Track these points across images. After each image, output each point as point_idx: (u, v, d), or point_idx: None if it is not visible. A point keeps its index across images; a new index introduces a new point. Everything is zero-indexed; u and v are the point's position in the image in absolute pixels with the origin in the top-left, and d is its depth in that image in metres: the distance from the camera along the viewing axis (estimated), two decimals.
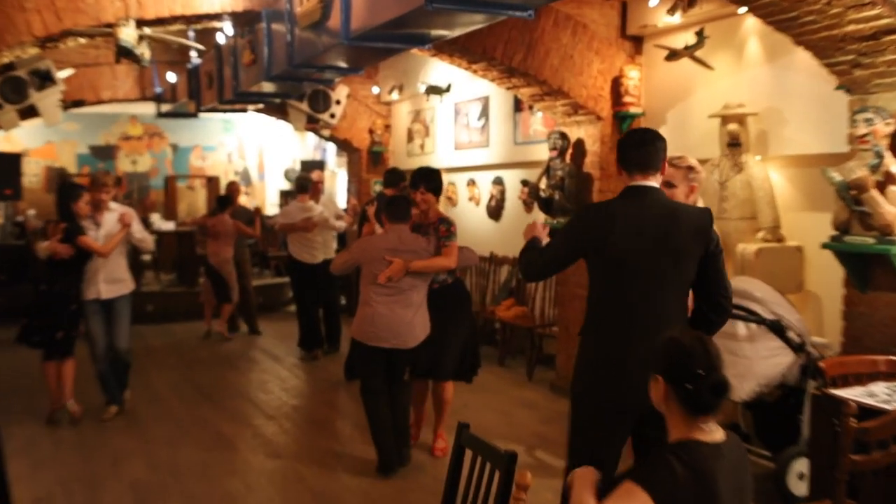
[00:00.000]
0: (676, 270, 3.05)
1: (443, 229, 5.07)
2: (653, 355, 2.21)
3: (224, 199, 9.42)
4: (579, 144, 6.78)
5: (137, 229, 6.07)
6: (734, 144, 5.49)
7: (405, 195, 5.25)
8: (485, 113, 8.96)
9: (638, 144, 3.15)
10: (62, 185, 6.11)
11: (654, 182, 3.13)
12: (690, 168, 3.49)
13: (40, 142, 15.30)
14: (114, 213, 5.97)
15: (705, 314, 3.13)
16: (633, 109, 6.51)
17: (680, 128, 6.32)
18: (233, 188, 9.96)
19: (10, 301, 10.87)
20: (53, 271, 5.79)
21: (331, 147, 13.82)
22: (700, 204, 3.50)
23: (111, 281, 5.96)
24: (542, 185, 7.01)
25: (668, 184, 3.38)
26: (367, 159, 11.12)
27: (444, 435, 5.37)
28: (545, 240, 3.44)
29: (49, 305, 5.80)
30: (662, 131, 6.42)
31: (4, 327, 10.01)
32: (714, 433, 2.14)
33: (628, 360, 3.00)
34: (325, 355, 8.35)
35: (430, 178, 5.22)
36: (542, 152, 7.47)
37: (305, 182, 8.41)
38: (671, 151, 6.45)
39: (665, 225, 3.05)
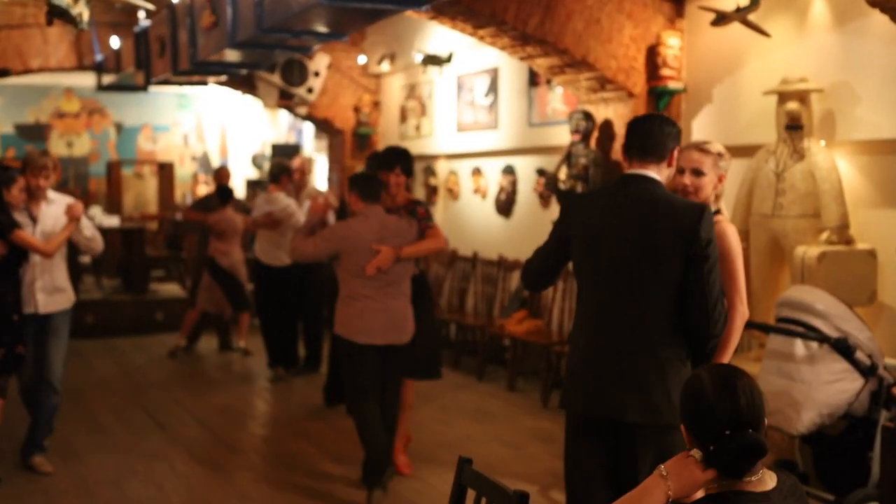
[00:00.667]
0: (654, 272, 3.23)
1: (422, 211, 5.48)
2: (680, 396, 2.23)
3: (225, 190, 9.45)
4: (607, 126, 6.83)
5: (87, 225, 5.79)
6: (794, 127, 5.53)
7: (373, 174, 5.58)
8: (493, 88, 9.01)
9: (640, 127, 3.38)
10: None
11: (654, 172, 3.33)
12: (720, 155, 3.62)
13: None
14: (53, 204, 5.68)
15: (688, 334, 3.26)
16: (672, 84, 6.56)
17: (728, 107, 6.36)
18: (223, 174, 9.97)
19: None
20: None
21: (308, 128, 13.87)
22: (715, 197, 3.62)
23: (50, 291, 5.64)
24: (562, 174, 7.05)
25: (696, 171, 3.54)
26: (351, 143, 11.18)
27: (405, 448, 5.81)
28: None
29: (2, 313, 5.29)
30: (707, 110, 6.51)
31: None
32: (762, 480, 2.13)
33: (593, 367, 3.31)
34: (295, 376, 8.40)
35: (406, 158, 5.62)
36: (563, 136, 7.51)
37: (278, 169, 8.46)
38: (719, 134, 6.54)
39: (640, 219, 3.25)
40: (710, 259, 3.18)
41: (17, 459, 5.97)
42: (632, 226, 3.26)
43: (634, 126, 3.41)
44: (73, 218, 5.61)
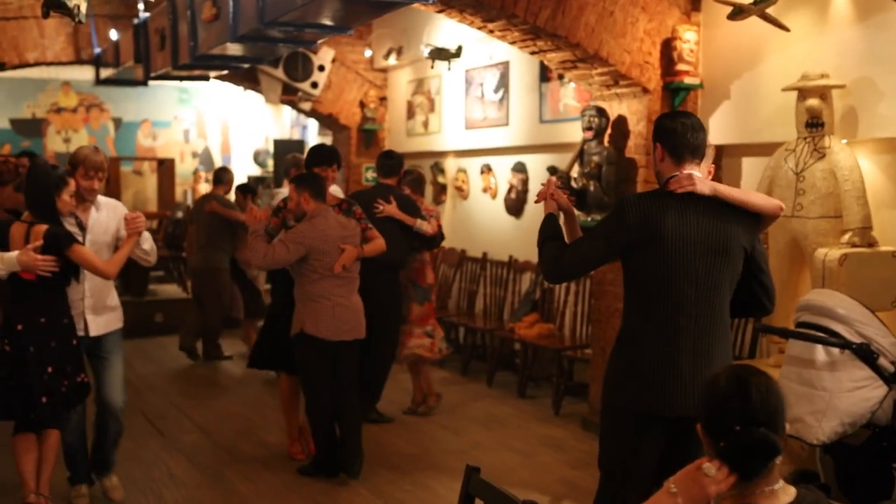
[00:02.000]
0: (728, 269, 3.49)
1: (358, 211, 5.93)
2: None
3: (247, 187, 9.54)
4: (620, 123, 6.82)
5: (146, 237, 5.17)
6: (814, 125, 5.52)
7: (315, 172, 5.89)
8: (503, 83, 9.01)
9: (694, 129, 3.57)
10: (37, 167, 4.98)
11: (697, 171, 3.57)
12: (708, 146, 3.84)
13: None
14: (103, 210, 5.15)
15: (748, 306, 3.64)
16: (688, 80, 6.55)
17: (746, 103, 6.35)
18: (229, 175, 9.98)
19: None
20: (23, 297, 4.80)
21: (312, 124, 13.89)
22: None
23: (101, 310, 5.15)
24: (574, 173, 7.04)
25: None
26: (357, 139, 11.19)
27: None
28: (564, 209, 3.80)
29: (24, 351, 4.75)
30: (725, 107, 6.50)
31: None
32: (778, 493, 2.13)
33: (683, 363, 3.46)
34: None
35: (339, 155, 6.26)
36: (575, 133, 7.51)
37: (290, 164, 8.49)
38: (737, 131, 6.51)
39: (714, 220, 3.48)
40: (764, 250, 3.59)
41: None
42: (707, 226, 3.47)
43: (689, 126, 3.56)
44: (134, 232, 5.00)
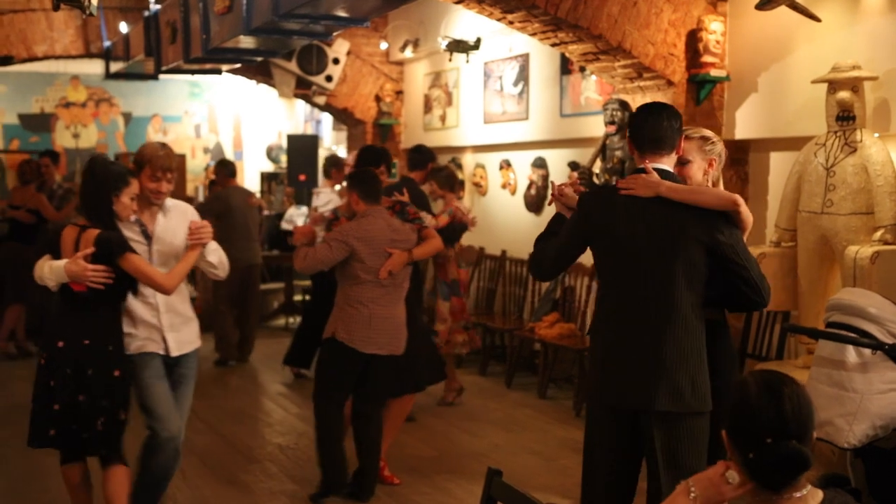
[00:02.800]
0: (680, 262, 3.54)
1: (412, 210, 5.68)
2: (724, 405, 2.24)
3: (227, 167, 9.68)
4: None
5: (213, 248, 4.71)
6: (845, 118, 5.49)
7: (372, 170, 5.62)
8: (523, 76, 9.00)
9: (650, 118, 3.67)
10: (95, 164, 4.49)
11: (667, 164, 3.66)
12: (704, 138, 3.84)
13: None
14: (171, 215, 4.68)
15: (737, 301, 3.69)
16: (714, 72, 6.52)
17: (774, 96, 6.32)
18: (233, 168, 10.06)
19: None
20: (70, 311, 4.39)
21: (326, 119, 13.92)
22: (712, 184, 3.84)
23: (179, 326, 4.67)
24: (596, 168, 7.03)
25: (681, 160, 3.77)
26: (373, 134, 11.20)
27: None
28: (571, 208, 3.84)
29: (58, 372, 4.33)
30: (752, 100, 6.47)
31: None
32: (806, 498, 2.12)
33: (628, 358, 3.59)
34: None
35: (388, 156, 6.10)
36: (597, 127, 7.50)
37: (329, 163, 8.66)
38: (765, 125, 6.48)
39: (663, 214, 3.55)
40: (738, 242, 3.54)
41: (28, 462, 6.04)
42: (653, 223, 3.56)
43: (644, 118, 3.68)
44: (198, 243, 4.57)
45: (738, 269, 3.56)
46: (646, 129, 3.66)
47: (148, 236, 4.58)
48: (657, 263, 3.56)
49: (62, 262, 4.28)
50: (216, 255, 4.71)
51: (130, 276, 4.35)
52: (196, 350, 4.78)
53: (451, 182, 7.61)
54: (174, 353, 4.62)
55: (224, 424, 7.20)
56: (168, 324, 4.60)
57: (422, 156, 7.38)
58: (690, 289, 3.56)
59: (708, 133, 3.88)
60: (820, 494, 2.14)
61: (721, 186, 3.92)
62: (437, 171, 7.62)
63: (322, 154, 13.52)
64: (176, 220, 4.65)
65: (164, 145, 4.65)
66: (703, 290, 3.60)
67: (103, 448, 4.42)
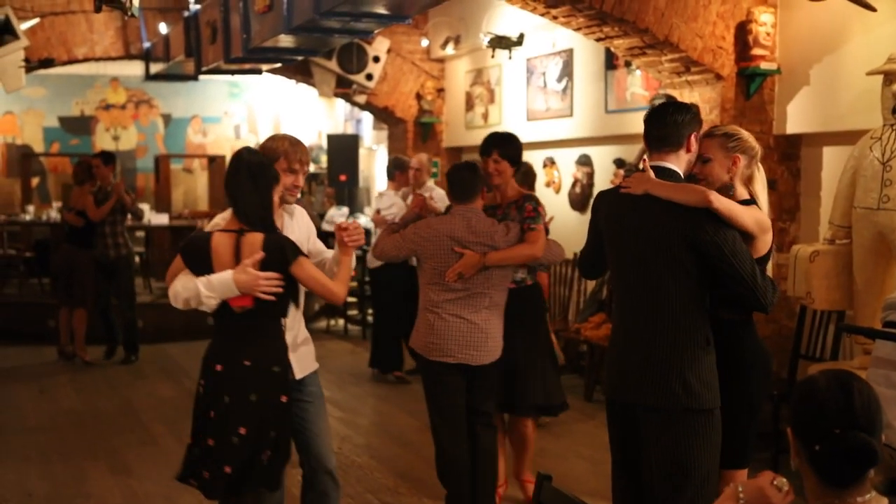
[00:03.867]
0: (665, 263, 3.61)
1: (529, 207, 5.05)
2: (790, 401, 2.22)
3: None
4: None
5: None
6: None
7: (473, 163, 5.15)
8: (567, 72, 8.97)
9: (653, 115, 3.77)
10: (247, 159, 3.94)
11: (673, 161, 3.70)
12: (727, 135, 3.81)
13: None
14: (296, 219, 4.25)
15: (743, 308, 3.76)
16: (764, 65, 6.46)
17: (827, 89, 6.25)
18: None
19: None
20: (228, 330, 3.92)
21: (367, 118, 13.96)
22: (759, 180, 3.85)
23: (298, 346, 4.16)
24: (642, 166, 6.99)
25: (702, 159, 3.79)
26: (414, 133, 11.23)
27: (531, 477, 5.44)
28: None
29: (216, 400, 3.86)
30: (804, 93, 6.40)
31: None
32: (869, 503, 2.10)
33: (623, 351, 3.77)
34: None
35: (506, 142, 5.21)
36: (642, 123, 7.45)
37: (392, 166, 8.71)
38: (818, 119, 6.40)
39: (650, 214, 3.63)
40: (726, 241, 3.51)
41: (71, 468, 6.12)
42: (643, 219, 3.66)
43: (649, 116, 3.78)
44: (354, 245, 4.07)
45: (725, 269, 3.55)
46: (650, 127, 3.75)
47: None
48: (647, 260, 3.66)
49: (228, 274, 3.76)
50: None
51: (294, 286, 3.91)
52: (317, 371, 4.30)
53: (529, 179, 7.22)
54: (298, 375, 4.09)
55: None
56: (290, 341, 4.03)
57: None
58: (680, 286, 3.61)
59: (734, 130, 3.85)
60: (885, 501, 2.12)
61: (758, 185, 3.84)
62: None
63: (362, 154, 13.58)
64: (299, 223, 4.24)
65: (292, 140, 4.15)
66: (701, 288, 3.63)
67: (266, 484, 3.91)
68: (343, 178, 12.63)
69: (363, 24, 6.89)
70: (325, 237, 11.82)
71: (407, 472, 6.16)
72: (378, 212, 8.46)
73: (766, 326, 6.59)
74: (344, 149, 12.71)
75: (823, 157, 6.55)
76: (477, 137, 10.42)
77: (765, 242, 3.71)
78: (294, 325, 4.10)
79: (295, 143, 4.13)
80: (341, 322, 11.71)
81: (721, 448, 3.70)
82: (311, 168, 15.84)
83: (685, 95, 6.78)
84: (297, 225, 4.21)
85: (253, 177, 3.86)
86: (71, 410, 7.78)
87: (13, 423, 7.38)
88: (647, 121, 3.79)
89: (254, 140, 17.14)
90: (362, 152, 13.66)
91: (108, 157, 9.41)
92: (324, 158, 14.64)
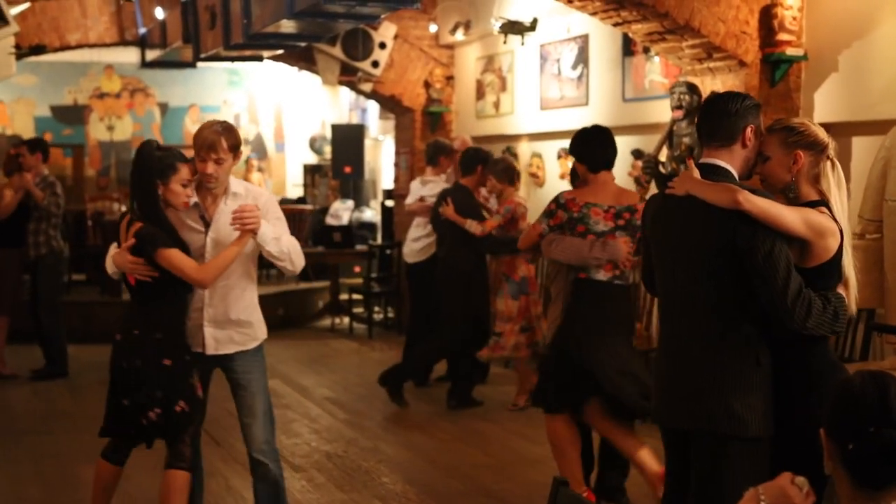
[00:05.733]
0: (705, 275, 3.47)
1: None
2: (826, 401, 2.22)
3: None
4: None
5: (270, 237, 4.42)
6: None
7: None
8: (582, 59, 8.96)
9: (704, 107, 3.68)
10: (140, 152, 4.48)
11: (725, 158, 3.49)
12: (789, 129, 3.52)
13: None
14: (239, 201, 4.47)
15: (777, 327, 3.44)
16: (790, 51, 6.45)
17: (857, 76, 6.23)
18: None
19: None
20: (132, 303, 4.60)
21: (373, 107, 13.97)
22: (832, 178, 3.51)
23: (222, 323, 4.55)
24: (663, 156, 6.98)
25: (762, 157, 3.55)
26: (422, 122, 11.21)
27: None
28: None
29: (116, 367, 4.50)
30: (832, 80, 6.38)
31: None
32: None
33: (665, 373, 3.66)
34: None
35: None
36: (662, 112, 7.44)
37: (435, 150, 8.59)
38: (846, 107, 6.38)
39: (689, 222, 3.50)
40: (760, 249, 3.30)
41: (64, 472, 6.14)
42: (685, 224, 3.52)
43: (702, 108, 3.68)
44: (242, 230, 4.33)
45: (754, 279, 3.35)
46: (700, 120, 3.62)
47: (207, 223, 4.48)
48: (689, 270, 3.52)
49: (113, 252, 4.48)
50: (277, 245, 4.42)
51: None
52: (252, 350, 4.61)
53: (510, 174, 7.48)
54: (209, 350, 4.52)
55: None
56: (211, 317, 4.51)
57: (467, 157, 7.60)
58: (724, 298, 3.43)
59: (797, 123, 3.58)
60: None
61: (830, 183, 3.50)
62: (493, 163, 7.60)
63: (368, 144, 13.58)
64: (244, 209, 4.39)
65: (219, 122, 4.47)
66: (748, 301, 3.40)
67: (157, 436, 4.51)
68: (348, 169, 12.65)
69: (369, 9, 6.88)
70: (330, 231, 11.96)
71: (416, 476, 6.16)
72: (422, 199, 8.39)
73: None
74: (349, 139, 12.73)
75: (853, 147, 6.52)
76: (488, 127, 10.43)
77: (825, 248, 3.39)
78: (219, 303, 4.50)
79: (205, 131, 4.39)
80: (346, 320, 11.73)
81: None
82: (315, 159, 15.94)
83: (707, 83, 6.76)
84: (234, 208, 4.37)
85: (140, 170, 4.42)
86: (64, 412, 7.80)
87: (4, 425, 7.41)
88: (700, 113, 3.67)
89: (254, 130, 17.16)
90: (368, 143, 13.67)
91: (34, 145, 8.97)
92: (328, 149, 14.67)
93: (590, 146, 5.32)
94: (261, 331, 4.66)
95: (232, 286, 4.51)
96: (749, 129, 3.47)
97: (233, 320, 4.54)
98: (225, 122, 4.52)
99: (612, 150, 5.33)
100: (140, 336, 4.43)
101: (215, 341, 4.53)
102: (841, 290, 3.49)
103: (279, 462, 4.77)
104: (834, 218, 3.43)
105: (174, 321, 4.48)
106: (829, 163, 3.49)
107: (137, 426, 4.46)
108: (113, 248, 4.53)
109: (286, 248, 4.46)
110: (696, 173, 3.49)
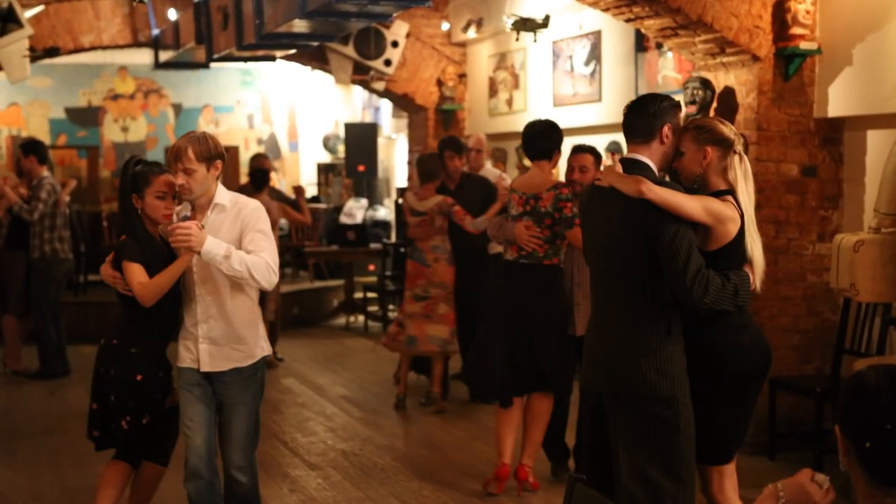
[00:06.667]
0: (620, 257, 3.92)
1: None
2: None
3: (260, 173, 9.39)
4: (728, 96, 6.72)
5: (221, 254, 4.21)
6: None
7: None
8: (595, 55, 8.94)
9: (627, 109, 4.01)
10: (124, 166, 4.63)
11: (645, 153, 3.91)
12: (698, 128, 3.96)
13: (2, 104, 15.91)
14: (222, 215, 4.38)
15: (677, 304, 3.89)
16: (804, 45, 6.41)
17: (871, 69, 6.20)
18: (264, 163, 10.02)
19: None
20: (121, 313, 4.68)
21: (385, 105, 13.99)
22: (739, 171, 3.95)
23: (216, 340, 4.43)
24: (611, 159, 6.97)
25: (678, 152, 3.97)
26: (435, 121, 11.22)
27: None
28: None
29: (97, 373, 4.66)
30: (847, 74, 6.36)
31: None
32: None
33: (588, 345, 4.13)
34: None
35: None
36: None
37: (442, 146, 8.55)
38: (861, 101, 6.35)
39: (607, 210, 3.93)
40: (664, 234, 3.73)
41: (82, 471, 6.17)
42: (607, 212, 3.94)
43: (626, 108, 4.02)
44: (176, 246, 4.26)
45: (661, 260, 3.78)
46: (624, 119, 4.00)
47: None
48: (610, 252, 3.97)
49: (105, 265, 4.62)
50: (228, 264, 4.18)
51: (177, 284, 4.43)
52: (239, 370, 4.44)
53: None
54: (203, 368, 4.41)
55: (283, 429, 7.27)
56: (205, 334, 4.41)
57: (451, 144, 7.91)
58: (637, 277, 3.86)
59: (705, 122, 4.09)
60: None
61: (736, 175, 3.94)
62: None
63: (381, 143, 13.60)
64: (226, 219, 4.36)
65: (194, 132, 4.41)
66: (659, 279, 3.81)
67: (124, 446, 4.65)
68: (361, 168, 12.67)
69: (381, 7, 6.89)
70: (344, 230, 11.97)
71: (433, 473, 6.17)
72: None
73: (807, 320, 6.57)
74: (362, 138, 12.74)
75: (867, 141, 6.49)
76: (501, 125, 10.42)
77: (724, 233, 3.83)
78: (212, 319, 4.40)
79: (176, 145, 4.31)
80: (361, 319, 11.75)
81: (701, 443, 3.93)
82: (328, 158, 15.96)
83: (720, 78, 6.74)
84: (219, 221, 4.34)
85: (120, 185, 4.63)
86: (81, 412, 7.78)
87: (22, 425, 7.45)
88: (624, 112, 4.02)
89: (268, 130, 17.19)
90: (381, 141, 13.68)
91: (27, 148, 8.90)
92: (341, 148, 14.69)
93: (526, 137, 5.81)
94: (258, 348, 4.49)
95: (224, 301, 4.39)
96: (666, 128, 3.90)
97: (226, 336, 4.41)
98: (201, 132, 4.43)
99: (546, 143, 5.72)
100: (118, 347, 4.57)
101: (210, 357, 4.41)
102: (747, 269, 3.92)
103: (256, 476, 4.64)
104: (739, 205, 3.87)
105: (154, 336, 4.60)
106: (736, 157, 3.93)
107: (110, 431, 4.62)
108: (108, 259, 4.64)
109: (240, 265, 4.19)
110: (619, 167, 3.92)
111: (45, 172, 8.84)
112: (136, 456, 4.72)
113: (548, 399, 5.71)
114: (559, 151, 5.78)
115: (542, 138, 5.72)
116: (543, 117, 6.06)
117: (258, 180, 9.17)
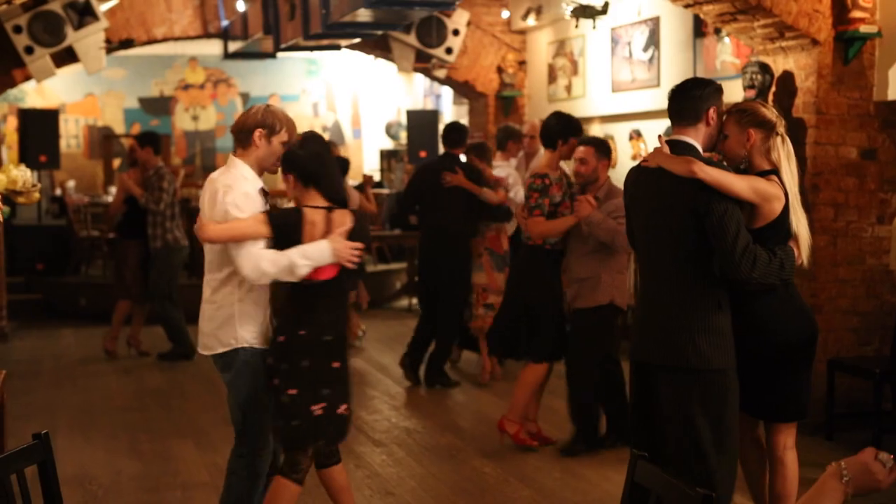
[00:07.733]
0: (669, 234, 3.98)
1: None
2: None
3: (341, 161, 9.38)
4: (786, 80, 6.62)
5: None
6: None
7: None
8: (654, 41, 8.86)
9: (673, 92, 4.07)
10: (319, 142, 4.51)
11: (691, 135, 3.99)
12: (740, 111, 4.05)
13: (79, 95, 16.18)
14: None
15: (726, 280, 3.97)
16: (864, 28, 6.29)
17: None
18: (334, 150, 9.99)
19: (52, 293, 11.55)
20: (298, 304, 4.23)
21: (447, 92, 13.97)
22: (782, 151, 4.02)
23: (202, 321, 4.30)
24: (659, 141, 6.89)
25: (722, 135, 4.07)
26: (495, 107, 11.19)
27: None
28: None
29: (291, 368, 4.15)
30: None
31: (49, 327, 10.65)
32: None
33: (638, 319, 4.24)
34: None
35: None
36: (734, 92, 7.32)
37: (504, 134, 8.51)
38: None
39: (653, 186, 4.01)
40: (714, 212, 3.81)
41: (157, 446, 6.27)
42: (657, 192, 4.00)
43: (671, 92, 4.08)
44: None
45: (711, 238, 3.86)
46: (670, 102, 4.06)
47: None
48: (660, 231, 4.03)
49: (324, 243, 4.09)
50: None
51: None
52: (220, 355, 4.22)
53: (487, 154, 8.06)
54: (200, 349, 4.34)
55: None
56: (210, 316, 4.25)
57: (461, 133, 8.08)
58: (687, 254, 3.94)
59: (748, 105, 4.13)
60: None
61: (780, 155, 4.02)
62: (472, 147, 8.13)
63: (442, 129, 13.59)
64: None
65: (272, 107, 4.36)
66: (708, 256, 3.89)
67: (325, 436, 4.24)
68: (423, 154, 12.65)
69: None
70: (405, 214, 11.96)
71: (494, 451, 6.15)
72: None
73: (866, 302, 6.46)
74: (424, 125, 12.74)
75: None
76: (561, 110, 10.34)
77: (770, 211, 3.92)
78: (219, 300, 4.18)
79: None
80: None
81: (762, 401, 4.14)
82: (391, 145, 16.00)
83: (779, 62, 6.64)
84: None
85: (329, 158, 4.37)
86: (157, 389, 7.96)
87: (101, 402, 7.58)
88: (669, 96, 4.08)
89: (332, 118, 17.27)
90: (442, 128, 13.67)
91: (143, 139, 9.00)
92: (403, 135, 14.71)
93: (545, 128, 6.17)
94: (237, 335, 4.18)
95: (206, 282, 4.24)
96: (712, 110, 3.99)
97: (205, 319, 4.24)
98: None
99: (550, 132, 6.07)
100: (309, 335, 4.15)
101: (203, 340, 4.27)
102: (792, 245, 4.02)
103: (246, 479, 4.30)
104: (783, 184, 3.96)
105: (343, 322, 4.35)
106: (779, 138, 4.01)
107: (306, 420, 4.15)
108: (261, 252, 4.07)
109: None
110: (666, 149, 3.96)
111: (160, 162, 9.01)
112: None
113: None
114: (563, 141, 6.02)
115: (546, 127, 6.15)
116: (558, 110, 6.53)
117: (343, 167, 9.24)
